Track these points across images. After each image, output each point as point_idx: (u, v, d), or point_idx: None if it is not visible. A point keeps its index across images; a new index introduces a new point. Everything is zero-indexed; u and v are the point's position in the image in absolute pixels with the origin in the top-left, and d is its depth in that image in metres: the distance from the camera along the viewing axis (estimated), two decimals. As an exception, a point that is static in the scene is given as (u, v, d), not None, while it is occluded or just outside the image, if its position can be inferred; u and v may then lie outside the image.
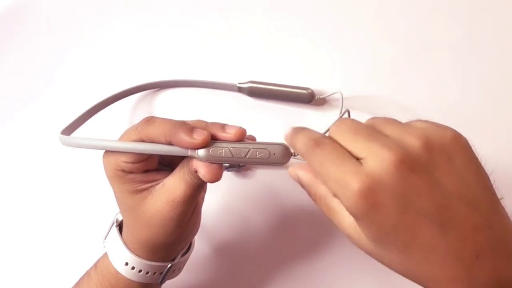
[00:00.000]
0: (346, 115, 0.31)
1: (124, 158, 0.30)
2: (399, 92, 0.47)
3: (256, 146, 0.30)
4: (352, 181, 0.23)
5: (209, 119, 0.32)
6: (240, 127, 0.30)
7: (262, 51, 0.50)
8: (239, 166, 0.46)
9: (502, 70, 0.46)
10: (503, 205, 0.25)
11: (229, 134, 0.30)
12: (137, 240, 0.32)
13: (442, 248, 0.23)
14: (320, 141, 0.26)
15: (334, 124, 0.27)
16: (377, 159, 0.23)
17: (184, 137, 0.28)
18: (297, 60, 0.49)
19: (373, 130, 0.26)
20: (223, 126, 0.30)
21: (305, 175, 0.29)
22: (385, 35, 0.48)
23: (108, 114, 0.46)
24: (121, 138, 0.31)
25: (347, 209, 0.24)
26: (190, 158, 0.30)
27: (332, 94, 0.46)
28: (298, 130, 0.28)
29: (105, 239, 0.35)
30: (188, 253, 0.37)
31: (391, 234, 0.24)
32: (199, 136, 0.29)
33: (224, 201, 0.47)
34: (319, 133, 0.27)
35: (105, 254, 0.35)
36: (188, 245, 0.37)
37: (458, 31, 0.47)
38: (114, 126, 0.47)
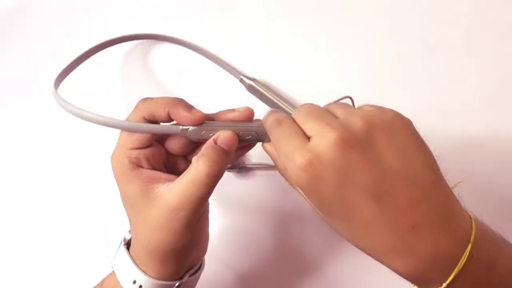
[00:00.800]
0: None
1: (130, 144, 0.32)
2: (398, 92, 0.46)
3: (245, 128, 0.32)
4: (296, 156, 0.26)
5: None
6: (247, 108, 0.33)
7: (274, 47, 0.50)
8: (240, 167, 0.46)
9: (502, 71, 0.46)
10: (448, 181, 0.27)
11: (233, 114, 0.33)
12: (145, 251, 0.31)
13: (379, 220, 0.25)
14: (282, 120, 0.29)
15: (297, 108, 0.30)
16: (320, 136, 0.26)
17: (182, 111, 0.31)
18: (301, 59, 0.49)
19: (324, 112, 0.28)
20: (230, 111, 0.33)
21: (271, 151, 0.31)
22: (385, 35, 0.48)
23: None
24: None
25: (294, 181, 0.27)
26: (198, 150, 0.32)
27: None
28: (271, 112, 0.31)
29: (113, 260, 0.34)
30: (198, 272, 0.36)
31: (332, 206, 0.26)
32: (196, 113, 0.31)
33: (225, 202, 0.47)
34: (285, 114, 0.30)
35: (112, 273, 0.34)
36: (198, 264, 0.36)
37: (458, 31, 0.47)
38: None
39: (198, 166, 0.29)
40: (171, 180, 0.31)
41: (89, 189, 0.50)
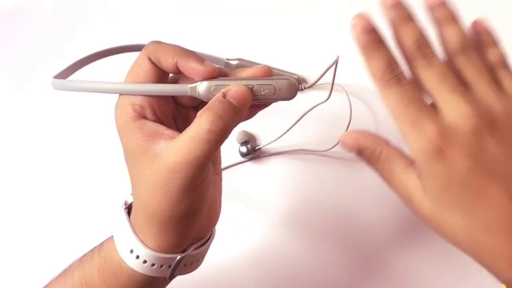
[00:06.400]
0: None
1: None
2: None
3: (260, 82, 0.28)
4: (429, 126, 0.24)
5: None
6: (265, 65, 0.29)
7: (259, 31, 0.49)
8: (255, 150, 0.45)
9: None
10: None
11: (250, 71, 0.29)
12: (144, 216, 0.29)
13: (506, 218, 0.23)
14: (400, 76, 0.25)
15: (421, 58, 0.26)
16: (457, 114, 0.24)
17: (192, 62, 0.27)
18: (295, 45, 0.49)
19: (460, 81, 0.25)
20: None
21: (367, 138, 0.28)
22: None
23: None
24: (131, 67, 0.30)
25: (416, 153, 0.24)
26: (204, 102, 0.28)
27: (320, 84, 0.45)
28: (374, 46, 0.25)
29: (112, 224, 0.32)
30: (206, 244, 0.32)
31: (457, 190, 0.24)
32: (208, 65, 0.28)
33: (238, 193, 0.46)
34: (395, 59, 0.26)
35: (111, 238, 0.31)
36: (207, 235, 0.33)
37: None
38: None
39: (201, 121, 0.26)
40: (174, 137, 0.28)
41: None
